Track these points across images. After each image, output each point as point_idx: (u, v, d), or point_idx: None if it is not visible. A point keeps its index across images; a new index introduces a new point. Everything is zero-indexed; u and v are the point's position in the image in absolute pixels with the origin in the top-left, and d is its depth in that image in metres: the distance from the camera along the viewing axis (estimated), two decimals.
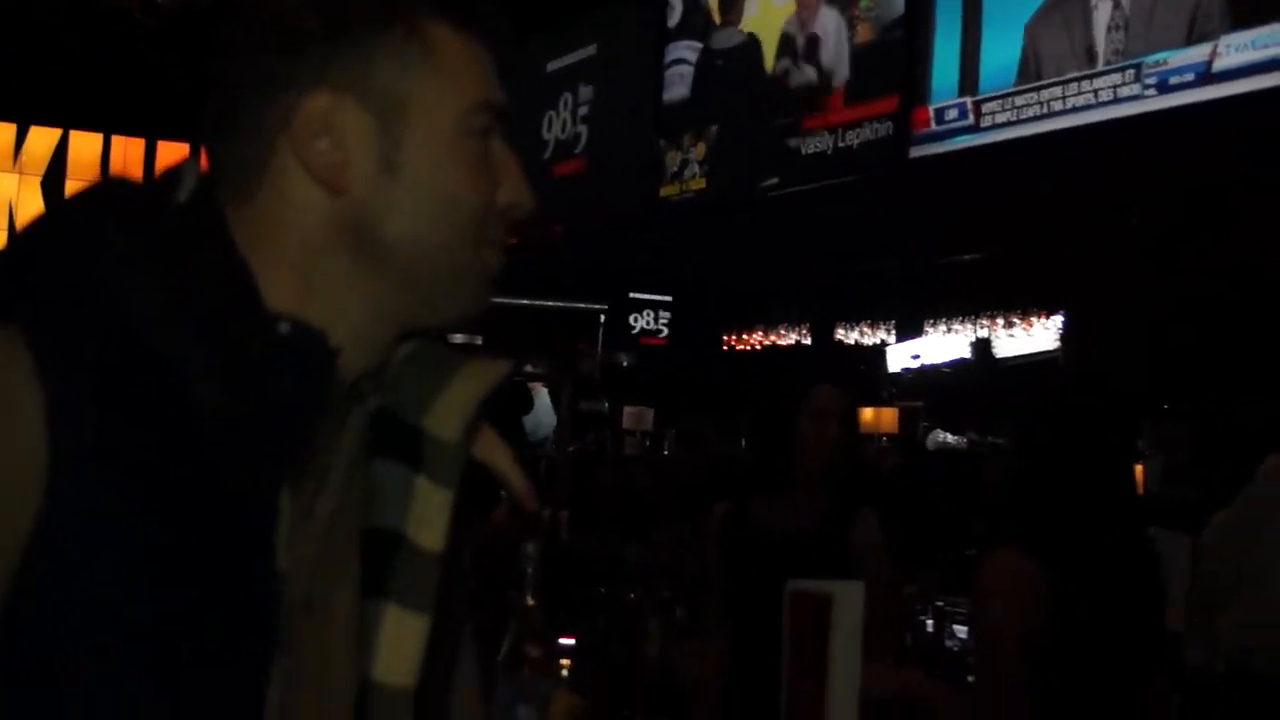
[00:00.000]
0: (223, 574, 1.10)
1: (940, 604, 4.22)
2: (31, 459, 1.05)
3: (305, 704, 1.17)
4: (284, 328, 1.13)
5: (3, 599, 1.05)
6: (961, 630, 4.17)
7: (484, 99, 1.22)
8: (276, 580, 1.12)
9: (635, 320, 14.14)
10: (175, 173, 1.20)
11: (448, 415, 1.24)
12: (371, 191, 1.18)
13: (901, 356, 12.16)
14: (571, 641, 4.75)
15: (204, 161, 1.22)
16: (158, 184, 1.20)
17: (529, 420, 11.72)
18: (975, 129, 8.14)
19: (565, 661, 2.36)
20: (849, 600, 2.23)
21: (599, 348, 14.13)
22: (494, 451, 1.30)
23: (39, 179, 16.94)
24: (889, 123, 8.78)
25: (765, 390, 4.19)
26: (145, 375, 1.08)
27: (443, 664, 1.27)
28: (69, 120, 16.97)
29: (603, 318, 14.19)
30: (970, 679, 3.55)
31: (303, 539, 1.16)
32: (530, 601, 2.18)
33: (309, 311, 1.16)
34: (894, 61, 8.84)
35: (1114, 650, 3.05)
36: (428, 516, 1.23)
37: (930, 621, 4.30)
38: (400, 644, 1.22)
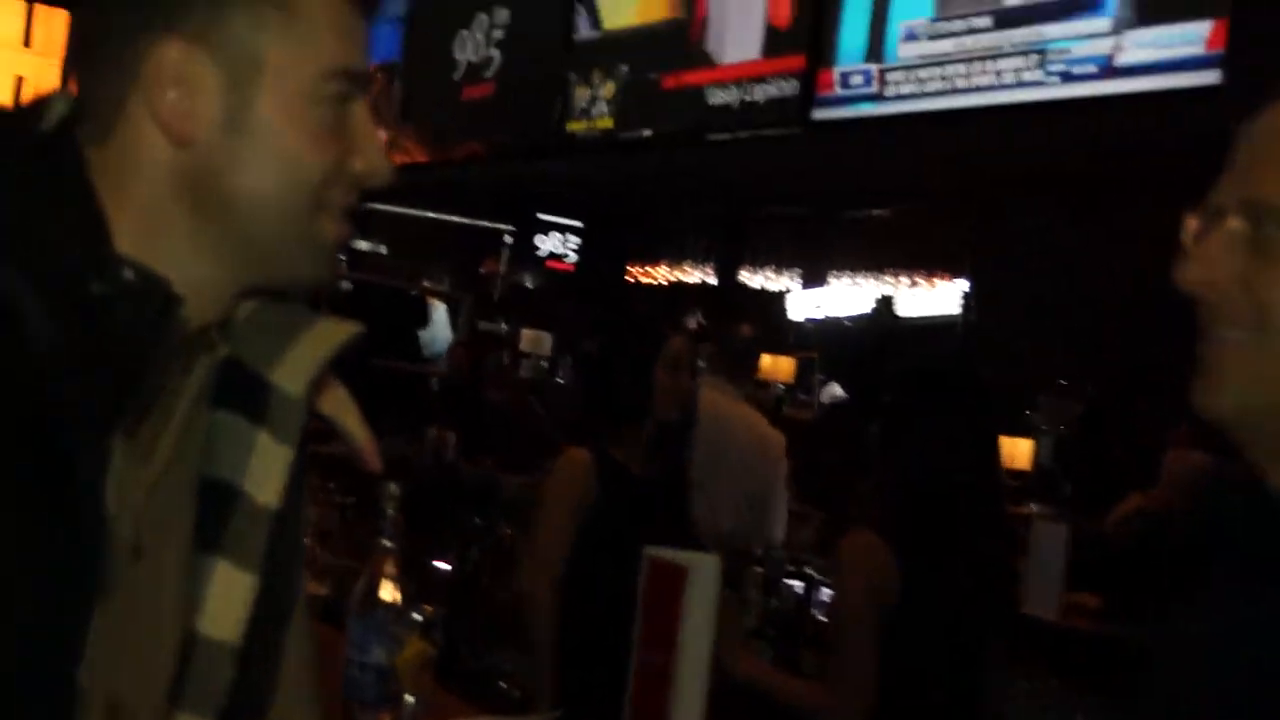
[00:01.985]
0: (47, 512, 1.07)
1: (810, 572, 4.21)
2: None
3: (128, 649, 1.15)
4: (128, 273, 1.12)
5: None
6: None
7: (341, 65, 1.20)
8: (103, 523, 1.10)
9: (542, 243, 13.97)
10: (45, 101, 1.19)
11: (295, 370, 1.23)
12: (216, 145, 1.17)
13: (804, 305, 12.12)
14: (445, 566, 4.74)
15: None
16: (26, 110, 1.19)
17: (424, 335, 11.65)
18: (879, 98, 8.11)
19: (428, 608, 2.33)
20: (705, 572, 2.20)
21: (503, 267, 14.02)
22: (341, 409, 1.29)
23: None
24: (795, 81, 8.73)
25: (623, 334, 4.24)
26: None
27: (271, 624, 1.26)
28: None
29: (508, 238, 14.04)
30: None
31: (135, 484, 1.14)
32: (387, 544, 2.15)
33: (153, 258, 1.14)
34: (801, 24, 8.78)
35: (960, 629, 3.10)
36: (266, 472, 1.23)
37: (800, 585, 4.28)
38: (228, 600, 1.21)
